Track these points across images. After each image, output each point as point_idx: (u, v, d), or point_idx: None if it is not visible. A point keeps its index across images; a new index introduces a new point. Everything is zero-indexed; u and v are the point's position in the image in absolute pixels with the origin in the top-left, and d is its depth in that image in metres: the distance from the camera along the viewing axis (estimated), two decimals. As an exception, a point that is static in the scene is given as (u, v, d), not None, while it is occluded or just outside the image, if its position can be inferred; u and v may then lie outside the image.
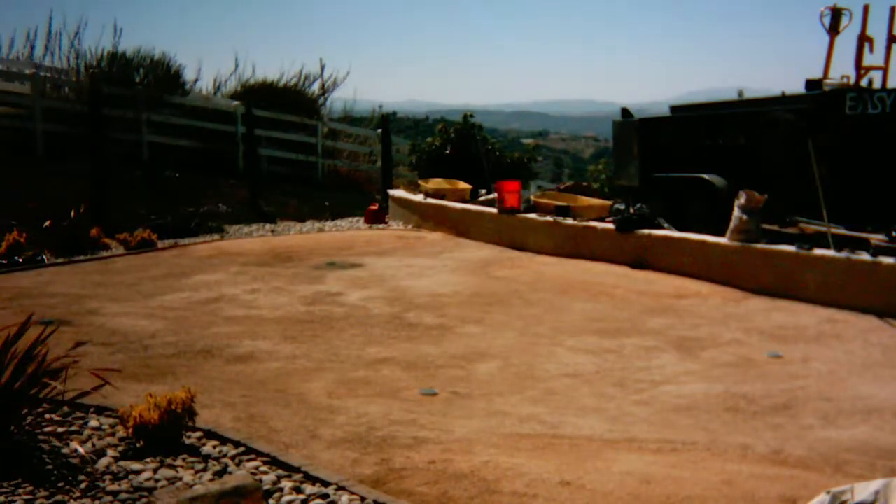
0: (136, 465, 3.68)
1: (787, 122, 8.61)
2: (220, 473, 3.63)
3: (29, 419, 3.86)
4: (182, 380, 5.07)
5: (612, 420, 4.55)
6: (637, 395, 4.99)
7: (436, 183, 12.98)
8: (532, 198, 11.06)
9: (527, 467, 3.80)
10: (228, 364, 5.60)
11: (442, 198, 12.28)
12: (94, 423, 4.22)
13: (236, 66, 25.84)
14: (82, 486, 3.43)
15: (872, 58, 9.02)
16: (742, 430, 4.38)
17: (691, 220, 9.06)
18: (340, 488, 3.50)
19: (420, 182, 13.47)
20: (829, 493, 3.13)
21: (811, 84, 8.84)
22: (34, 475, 3.50)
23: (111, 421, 4.20)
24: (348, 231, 12.55)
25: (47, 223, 10.08)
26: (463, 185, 12.73)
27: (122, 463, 3.70)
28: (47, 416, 4.15)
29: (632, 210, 9.06)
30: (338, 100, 21.22)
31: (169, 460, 3.75)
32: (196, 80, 19.09)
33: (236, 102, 17.80)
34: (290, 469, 3.70)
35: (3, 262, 9.18)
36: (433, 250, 10.30)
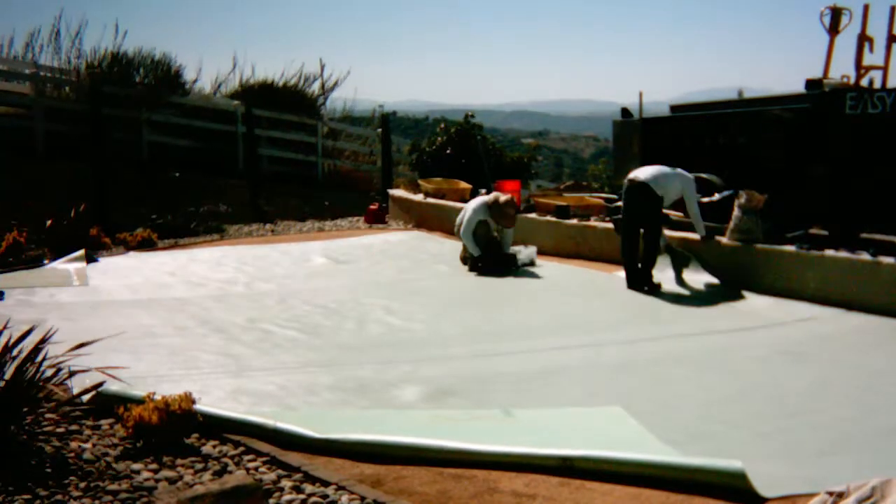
0: (135, 465, 3.68)
1: (787, 121, 8.63)
2: (219, 473, 3.64)
3: (29, 419, 3.87)
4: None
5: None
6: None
7: (436, 183, 12.98)
8: (532, 197, 11.06)
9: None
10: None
11: (442, 197, 12.28)
12: (93, 422, 4.23)
13: (234, 65, 25.85)
14: (82, 486, 3.43)
15: (872, 57, 9.02)
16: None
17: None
18: (340, 488, 3.50)
19: (420, 182, 13.46)
20: (829, 493, 3.14)
21: (811, 84, 8.84)
22: (34, 475, 3.50)
23: (111, 421, 4.21)
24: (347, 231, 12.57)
25: (48, 223, 10.08)
26: (463, 184, 12.73)
27: (122, 463, 3.71)
28: (48, 416, 4.15)
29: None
30: (338, 99, 21.22)
31: (168, 460, 3.75)
32: (196, 80, 19.12)
33: (236, 102, 17.80)
34: (290, 469, 3.70)
35: (10, 259, 9.18)
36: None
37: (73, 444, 3.87)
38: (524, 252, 9.13)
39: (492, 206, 9.03)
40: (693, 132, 10.12)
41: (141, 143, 16.30)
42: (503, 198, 9.04)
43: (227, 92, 19.14)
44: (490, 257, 8.91)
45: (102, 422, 4.23)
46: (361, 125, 21.24)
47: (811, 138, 8.47)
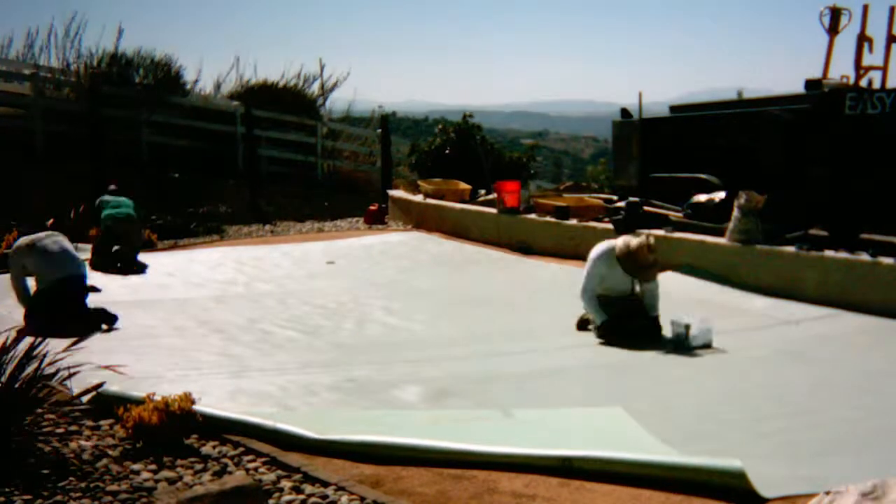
0: (135, 466, 3.68)
1: (787, 122, 8.62)
2: (219, 473, 3.63)
3: (28, 419, 3.86)
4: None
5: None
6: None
7: (435, 183, 12.98)
8: (531, 198, 11.07)
9: (526, 467, 3.79)
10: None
11: (441, 198, 12.28)
12: (93, 423, 4.22)
13: (235, 64, 25.81)
14: (82, 486, 3.43)
15: (872, 58, 9.01)
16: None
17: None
18: (340, 488, 3.50)
19: (420, 182, 13.47)
20: (827, 493, 3.14)
21: (811, 84, 8.84)
22: (34, 475, 3.49)
23: (111, 421, 4.20)
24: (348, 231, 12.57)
25: (49, 223, 10.06)
26: (462, 185, 12.73)
27: (121, 463, 3.70)
28: (47, 416, 4.15)
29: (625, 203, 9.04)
30: (338, 100, 21.12)
31: (168, 460, 3.75)
32: (196, 81, 19.07)
33: (236, 103, 17.79)
34: (290, 469, 3.70)
35: None
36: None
37: (73, 445, 3.87)
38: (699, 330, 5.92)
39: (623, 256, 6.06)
40: (693, 132, 10.12)
41: (140, 144, 16.28)
42: (634, 242, 6.04)
43: (227, 92, 19.12)
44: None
45: (102, 422, 4.23)
46: (361, 126, 21.22)
47: (811, 139, 8.47)
